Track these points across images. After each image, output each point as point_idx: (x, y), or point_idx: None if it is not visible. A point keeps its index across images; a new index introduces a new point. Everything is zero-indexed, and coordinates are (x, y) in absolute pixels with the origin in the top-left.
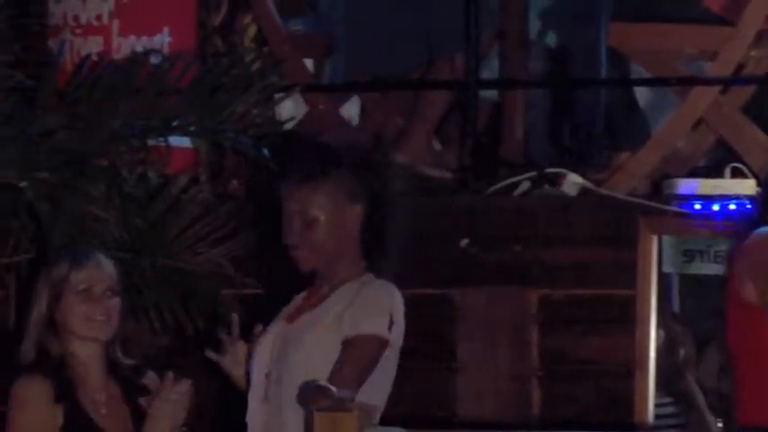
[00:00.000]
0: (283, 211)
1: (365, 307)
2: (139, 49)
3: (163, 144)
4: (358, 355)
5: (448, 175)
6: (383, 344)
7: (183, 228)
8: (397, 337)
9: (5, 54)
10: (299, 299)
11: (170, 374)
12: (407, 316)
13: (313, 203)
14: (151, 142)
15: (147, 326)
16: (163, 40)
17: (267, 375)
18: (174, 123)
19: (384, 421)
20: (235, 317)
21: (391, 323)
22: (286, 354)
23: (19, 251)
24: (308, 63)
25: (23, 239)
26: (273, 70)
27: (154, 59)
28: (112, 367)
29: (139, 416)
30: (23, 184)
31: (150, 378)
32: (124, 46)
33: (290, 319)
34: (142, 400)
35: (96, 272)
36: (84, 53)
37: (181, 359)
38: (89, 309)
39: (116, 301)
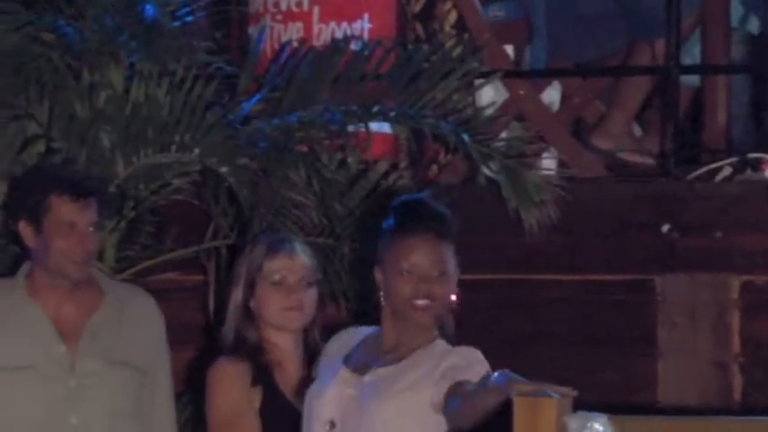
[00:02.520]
0: (397, 266)
1: (465, 359)
2: (339, 35)
3: (363, 130)
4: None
5: (649, 160)
6: None
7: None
8: None
9: (206, 41)
10: (363, 351)
11: None
12: (609, 303)
13: (445, 258)
14: (351, 128)
15: (347, 312)
16: (363, 26)
17: (331, 424)
18: (374, 109)
19: (587, 407)
20: None
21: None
22: (361, 407)
23: (219, 237)
24: (509, 49)
25: (223, 225)
26: (474, 56)
27: (354, 46)
28: (311, 354)
29: None
30: (224, 169)
31: None
32: (324, 32)
33: (359, 370)
34: None
35: (290, 262)
36: (284, 40)
37: None
38: (282, 299)
39: (311, 292)
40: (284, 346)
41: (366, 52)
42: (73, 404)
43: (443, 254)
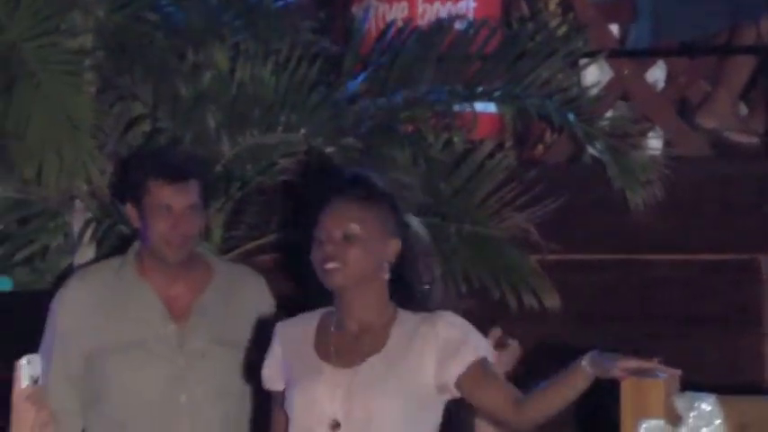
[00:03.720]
0: (317, 231)
1: (458, 329)
2: (444, 15)
3: (468, 110)
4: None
5: (754, 139)
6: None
7: (488, 193)
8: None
9: (311, 21)
10: (331, 340)
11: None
12: (714, 282)
13: (356, 219)
14: (456, 108)
15: (455, 292)
16: (468, 5)
17: (334, 425)
18: (479, 89)
19: (694, 387)
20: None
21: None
22: (363, 403)
23: None
24: (614, 28)
25: None
26: (578, 36)
27: (459, 25)
28: None
29: None
30: (330, 149)
31: None
32: (429, 12)
33: (343, 362)
34: None
35: None
36: (388, 19)
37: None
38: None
39: None
40: None
41: (471, 32)
42: (182, 383)
43: (356, 215)
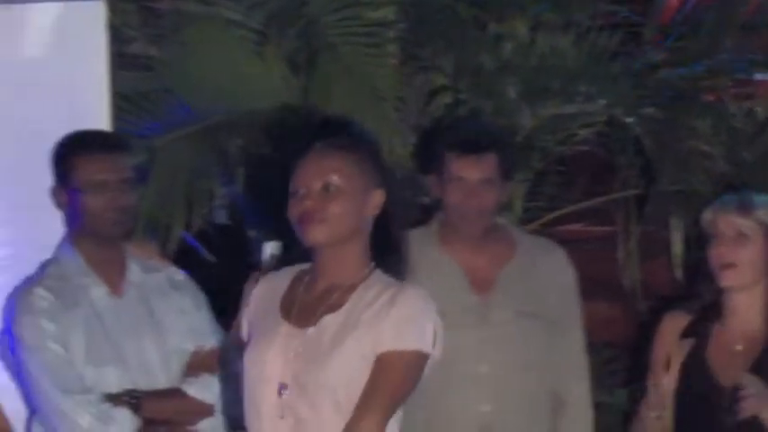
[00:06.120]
0: (294, 185)
1: (407, 319)
2: None
3: None
4: (397, 374)
5: None
6: (425, 359)
7: None
8: (438, 351)
9: None
10: (298, 296)
11: None
12: None
13: (337, 170)
14: (758, 77)
15: None
16: None
17: (281, 386)
18: None
19: None
20: None
21: (435, 336)
22: (312, 363)
23: (626, 187)
24: None
25: (631, 175)
26: None
27: None
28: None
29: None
30: (630, 119)
31: None
32: None
33: (301, 322)
34: None
35: (731, 218)
36: None
37: None
38: (717, 254)
39: (748, 249)
40: (734, 307)
41: None
42: (483, 353)
43: (337, 165)
